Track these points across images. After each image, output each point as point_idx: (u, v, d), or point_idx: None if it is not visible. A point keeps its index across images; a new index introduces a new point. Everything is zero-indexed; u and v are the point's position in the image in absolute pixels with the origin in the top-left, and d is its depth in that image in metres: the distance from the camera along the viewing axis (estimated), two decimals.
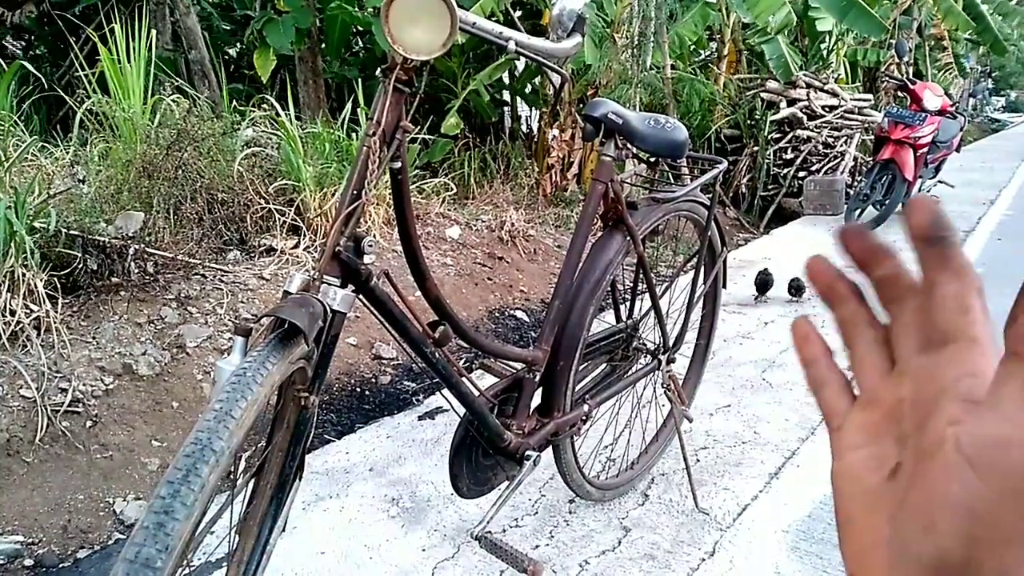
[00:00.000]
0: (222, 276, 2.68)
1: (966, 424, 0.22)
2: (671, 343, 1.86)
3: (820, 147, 6.02)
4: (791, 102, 5.98)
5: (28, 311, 2.09)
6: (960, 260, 0.24)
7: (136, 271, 2.41)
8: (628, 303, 1.79)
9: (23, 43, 5.77)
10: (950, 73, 11.14)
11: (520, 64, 5.62)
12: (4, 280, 2.08)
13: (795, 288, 3.49)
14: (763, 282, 3.55)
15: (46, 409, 1.94)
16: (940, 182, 5.78)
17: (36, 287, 2.11)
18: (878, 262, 0.27)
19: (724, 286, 2.08)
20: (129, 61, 3.13)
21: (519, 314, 3.39)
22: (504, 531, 1.78)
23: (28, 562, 1.67)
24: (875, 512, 0.25)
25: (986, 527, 0.21)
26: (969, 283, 0.24)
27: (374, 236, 1.69)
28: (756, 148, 5.95)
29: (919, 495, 0.23)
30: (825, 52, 6.99)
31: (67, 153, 3.11)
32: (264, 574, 1.12)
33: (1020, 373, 0.21)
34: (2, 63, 3.62)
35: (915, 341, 0.25)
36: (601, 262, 1.56)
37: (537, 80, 5.83)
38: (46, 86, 3.88)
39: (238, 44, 6.06)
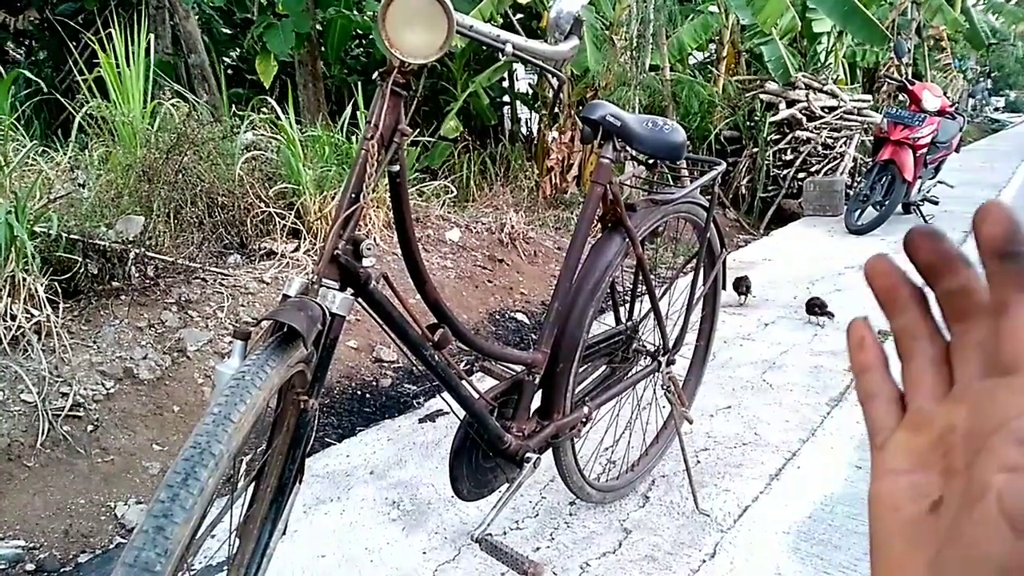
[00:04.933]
0: (222, 280, 2.69)
1: (1015, 476, 0.20)
2: (671, 345, 1.86)
3: (819, 148, 6.03)
4: (790, 103, 5.99)
5: (29, 315, 2.09)
6: None
7: (136, 275, 2.42)
8: (628, 305, 1.79)
9: (24, 48, 5.78)
10: (949, 74, 11.14)
11: (520, 67, 5.63)
12: (5, 284, 2.08)
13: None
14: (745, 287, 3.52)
15: (47, 413, 1.94)
16: (940, 182, 5.78)
17: (37, 291, 2.12)
18: (949, 272, 0.24)
19: (724, 287, 2.08)
20: (129, 65, 3.14)
21: (519, 316, 3.39)
22: (505, 533, 1.78)
23: (30, 566, 1.67)
24: (914, 547, 0.23)
25: None
26: None
27: (374, 239, 1.69)
28: (755, 149, 5.95)
29: (959, 547, 0.21)
30: (823, 53, 7.00)
31: (67, 157, 3.11)
32: None
33: None
34: (1, 69, 3.62)
35: (978, 366, 0.23)
36: (600, 264, 1.56)
37: (536, 82, 5.84)
38: (46, 91, 3.89)
39: (238, 48, 6.07)
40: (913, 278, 0.26)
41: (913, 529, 0.23)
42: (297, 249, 3.02)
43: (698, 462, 2.09)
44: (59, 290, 2.22)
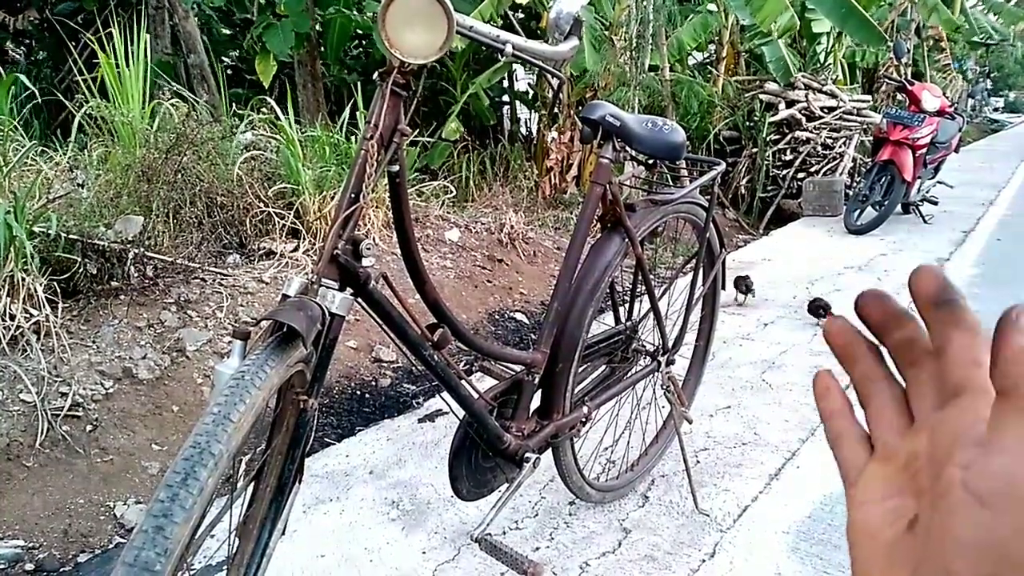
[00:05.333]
0: (221, 280, 2.69)
1: (973, 466, 0.22)
2: (670, 344, 1.86)
3: (819, 148, 6.03)
4: (790, 104, 5.99)
5: (28, 315, 2.09)
6: (970, 318, 0.25)
7: (136, 275, 2.42)
8: (627, 305, 1.79)
9: (24, 48, 5.78)
10: (948, 74, 11.15)
11: (520, 67, 5.63)
12: (4, 284, 2.08)
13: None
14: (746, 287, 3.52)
15: (46, 413, 1.94)
16: (939, 183, 5.78)
17: (36, 291, 2.12)
18: (897, 326, 0.27)
19: (723, 287, 2.08)
20: (128, 66, 3.14)
21: (519, 316, 3.39)
22: (504, 533, 1.78)
23: (29, 566, 1.67)
24: (894, 567, 0.25)
25: (1004, 564, 0.21)
26: (980, 339, 0.24)
27: (373, 239, 1.69)
28: (755, 150, 5.95)
29: (935, 543, 0.23)
30: (823, 54, 7.00)
31: (66, 157, 3.11)
32: None
33: (1012, 411, 0.22)
34: (0, 70, 3.62)
35: (932, 400, 0.26)
36: (600, 264, 1.56)
37: (535, 82, 5.85)
38: (46, 91, 3.89)
39: (238, 48, 6.07)
40: (867, 335, 0.29)
41: (892, 550, 0.25)
42: (296, 249, 3.02)
43: (698, 462, 2.09)
44: (58, 290, 2.22)
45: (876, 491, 0.26)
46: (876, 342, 0.28)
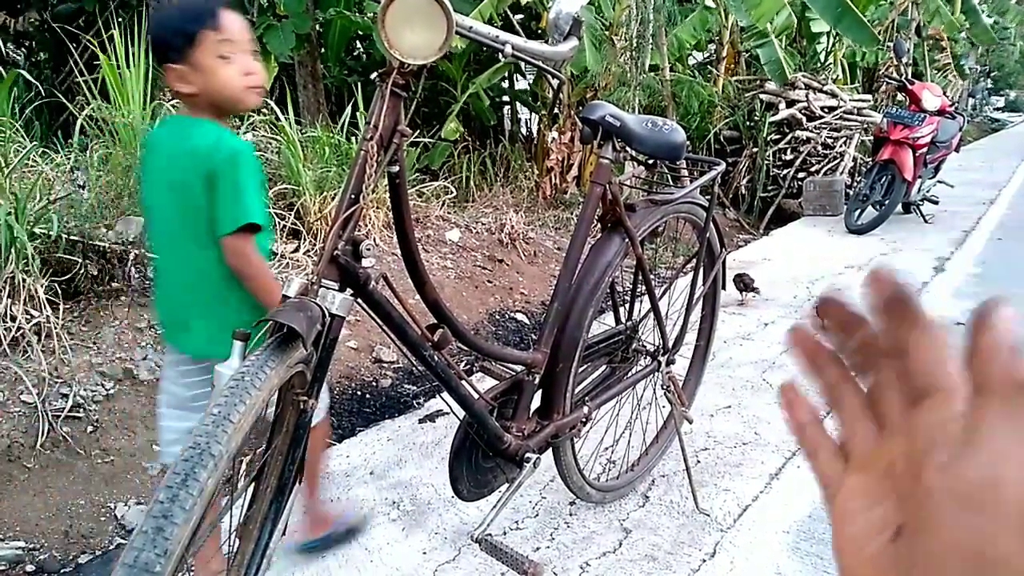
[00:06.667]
0: None
1: (953, 467, 0.22)
2: (671, 344, 1.86)
3: (819, 148, 6.03)
4: (790, 103, 5.99)
5: (29, 317, 2.09)
6: (926, 318, 0.25)
7: (136, 276, 2.42)
8: (627, 305, 1.79)
9: (24, 50, 5.78)
10: (949, 74, 11.14)
11: (523, 67, 5.63)
12: (5, 286, 2.09)
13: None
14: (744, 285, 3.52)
15: (47, 414, 1.94)
16: (939, 182, 5.78)
17: (37, 292, 2.12)
18: (857, 327, 0.27)
19: (723, 287, 2.08)
20: (128, 67, 3.14)
21: (519, 316, 3.39)
22: (505, 533, 1.78)
23: (30, 567, 1.67)
24: None
25: (994, 564, 0.21)
26: (939, 338, 0.25)
27: (373, 239, 1.69)
28: (755, 149, 5.95)
29: (922, 551, 0.23)
30: (823, 53, 7.00)
31: (67, 159, 3.11)
32: None
33: (988, 407, 0.22)
34: (1, 70, 3.63)
35: (898, 401, 0.26)
36: (600, 264, 1.56)
37: (534, 82, 5.85)
38: (46, 92, 3.89)
39: None
40: (829, 342, 0.29)
41: (880, 561, 0.25)
42: (297, 250, 3.03)
43: (698, 462, 2.09)
44: (59, 291, 2.23)
45: (858, 502, 0.26)
46: (839, 353, 0.28)
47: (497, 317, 3.33)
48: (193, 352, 1.36)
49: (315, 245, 3.06)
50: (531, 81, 6.04)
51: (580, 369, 1.62)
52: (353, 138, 3.64)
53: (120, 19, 3.69)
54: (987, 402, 0.22)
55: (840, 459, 0.28)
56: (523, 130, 6.34)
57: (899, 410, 0.26)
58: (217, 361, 0.97)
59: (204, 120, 1.34)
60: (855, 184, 5.80)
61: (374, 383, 2.64)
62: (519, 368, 1.51)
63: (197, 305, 1.34)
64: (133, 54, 3.18)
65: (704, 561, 1.66)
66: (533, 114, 6.14)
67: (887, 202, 4.98)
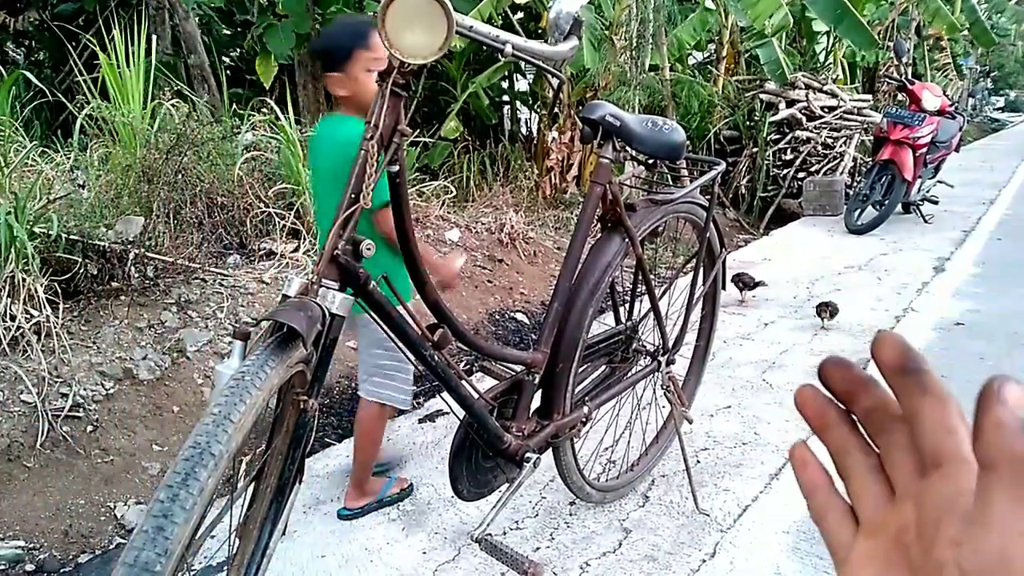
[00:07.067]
0: (222, 280, 2.69)
1: (964, 544, 0.22)
2: (671, 344, 1.86)
3: (819, 148, 6.03)
4: (790, 103, 5.99)
5: (28, 316, 2.09)
6: (938, 385, 0.25)
7: (136, 276, 2.42)
8: (627, 305, 1.79)
9: (24, 49, 5.78)
10: (949, 73, 11.14)
11: (523, 67, 5.63)
12: (5, 285, 2.08)
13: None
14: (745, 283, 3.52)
15: (47, 414, 1.94)
16: (939, 182, 5.78)
17: (37, 292, 2.12)
18: (863, 393, 0.27)
19: (723, 287, 2.08)
20: (128, 66, 3.14)
21: (519, 316, 3.39)
22: (504, 533, 1.78)
23: (29, 567, 1.67)
24: None
25: None
26: (950, 406, 0.25)
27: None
28: (755, 149, 5.95)
29: None
30: (823, 53, 7.00)
31: (67, 158, 3.11)
32: None
33: (998, 485, 0.22)
34: (2, 70, 3.62)
35: (910, 467, 0.26)
36: (600, 264, 1.56)
37: (533, 81, 5.84)
38: (47, 92, 3.89)
39: (238, 49, 6.07)
40: (838, 402, 0.29)
41: None
42: (297, 249, 3.02)
43: (698, 462, 2.09)
44: (59, 290, 2.22)
45: (868, 569, 0.26)
46: (848, 412, 0.28)
47: (497, 317, 3.33)
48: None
49: (315, 245, 3.06)
50: (531, 81, 6.04)
51: (580, 369, 1.62)
52: None
53: (120, 18, 3.69)
54: (996, 478, 0.22)
55: (851, 523, 0.28)
56: (523, 130, 6.34)
57: (909, 474, 0.26)
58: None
59: (351, 117, 1.57)
60: (855, 184, 5.79)
61: None
62: (519, 368, 1.51)
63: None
64: (133, 53, 3.18)
65: (704, 561, 1.66)
66: (533, 114, 6.15)
67: (887, 202, 4.98)
